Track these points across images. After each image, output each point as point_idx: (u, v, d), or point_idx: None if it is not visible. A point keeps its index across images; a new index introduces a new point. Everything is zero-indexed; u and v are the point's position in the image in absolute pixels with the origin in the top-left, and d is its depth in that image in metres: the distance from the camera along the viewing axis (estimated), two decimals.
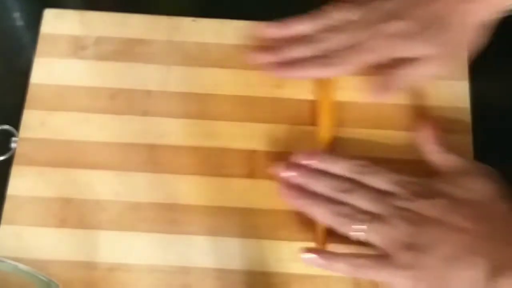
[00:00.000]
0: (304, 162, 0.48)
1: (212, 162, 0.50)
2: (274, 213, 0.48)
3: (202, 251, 0.47)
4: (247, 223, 0.48)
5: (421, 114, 0.51)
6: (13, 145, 0.50)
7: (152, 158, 0.50)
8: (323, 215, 0.46)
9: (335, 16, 0.51)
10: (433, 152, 0.49)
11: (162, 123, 0.51)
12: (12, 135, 0.51)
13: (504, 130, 0.52)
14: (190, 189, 0.49)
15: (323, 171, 0.48)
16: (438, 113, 0.51)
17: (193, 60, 0.53)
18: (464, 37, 0.48)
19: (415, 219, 0.44)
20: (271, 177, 0.49)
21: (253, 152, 0.50)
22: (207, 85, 0.52)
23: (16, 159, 0.49)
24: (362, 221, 0.45)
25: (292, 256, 0.47)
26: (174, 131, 0.51)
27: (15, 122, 0.51)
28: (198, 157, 0.50)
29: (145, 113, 0.51)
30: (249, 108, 0.52)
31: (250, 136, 0.51)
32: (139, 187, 0.49)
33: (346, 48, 0.50)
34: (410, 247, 0.43)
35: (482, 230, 0.43)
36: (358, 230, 0.45)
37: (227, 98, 0.52)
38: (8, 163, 0.49)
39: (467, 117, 0.51)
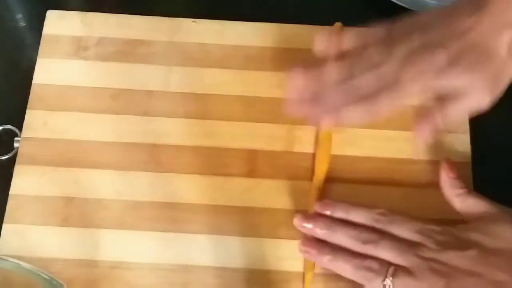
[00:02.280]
0: (322, 212, 0.47)
1: (213, 162, 0.50)
2: (273, 211, 0.48)
3: (203, 250, 0.47)
4: (247, 221, 0.48)
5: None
6: (16, 144, 0.50)
7: (153, 157, 0.50)
8: (345, 271, 0.44)
9: (366, 54, 0.45)
10: (453, 196, 0.47)
11: (163, 123, 0.51)
12: (15, 134, 0.51)
13: (502, 129, 0.52)
14: (190, 188, 0.49)
15: (342, 221, 0.46)
16: None
17: (193, 61, 0.54)
18: (506, 65, 0.43)
19: (446, 271, 0.42)
20: (271, 176, 0.49)
21: (253, 152, 0.50)
22: (207, 85, 0.53)
23: (18, 159, 0.50)
24: (388, 275, 0.42)
25: (292, 254, 0.47)
26: (174, 131, 0.51)
27: (18, 122, 0.51)
28: (198, 156, 0.50)
29: (146, 113, 0.52)
30: (249, 108, 0.52)
31: (250, 136, 0.51)
32: (140, 186, 0.49)
33: (382, 86, 0.44)
34: None
35: None
36: (386, 285, 0.42)
37: (227, 98, 0.52)
38: (11, 163, 0.50)
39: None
